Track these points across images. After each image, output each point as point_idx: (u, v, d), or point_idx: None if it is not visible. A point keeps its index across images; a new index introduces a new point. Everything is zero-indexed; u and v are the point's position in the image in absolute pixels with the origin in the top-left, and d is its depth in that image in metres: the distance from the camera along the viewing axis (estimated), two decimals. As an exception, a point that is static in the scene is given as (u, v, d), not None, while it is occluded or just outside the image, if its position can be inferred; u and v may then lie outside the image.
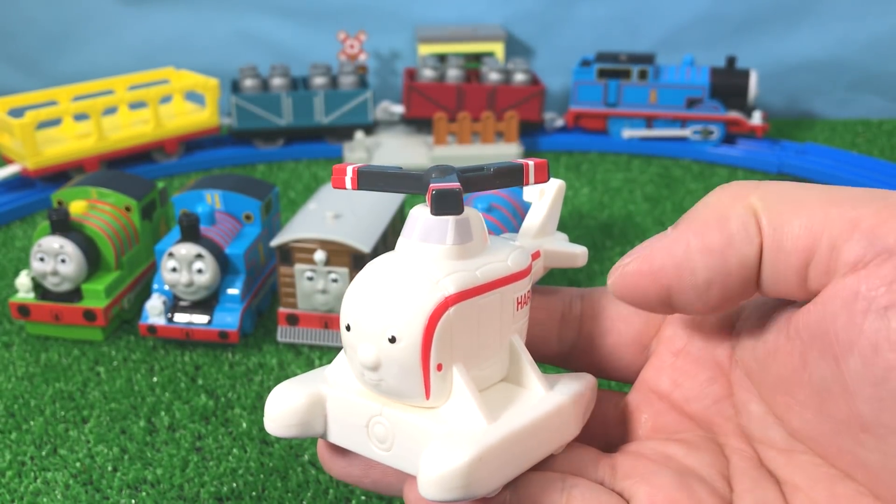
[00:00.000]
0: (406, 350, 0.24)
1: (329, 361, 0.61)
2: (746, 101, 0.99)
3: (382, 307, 0.24)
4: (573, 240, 0.32)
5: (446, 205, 0.23)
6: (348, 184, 0.26)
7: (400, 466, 0.25)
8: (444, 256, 0.25)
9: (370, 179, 0.26)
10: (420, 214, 0.26)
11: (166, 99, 1.02)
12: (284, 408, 0.26)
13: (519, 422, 0.25)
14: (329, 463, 0.28)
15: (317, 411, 0.27)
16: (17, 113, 0.88)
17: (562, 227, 0.33)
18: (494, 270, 0.26)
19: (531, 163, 0.26)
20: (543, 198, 0.31)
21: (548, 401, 0.26)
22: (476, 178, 0.25)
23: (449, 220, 0.25)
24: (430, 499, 0.23)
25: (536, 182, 0.27)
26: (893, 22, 1.12)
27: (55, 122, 0.94)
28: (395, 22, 1.15)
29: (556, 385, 0.27)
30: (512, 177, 0.26)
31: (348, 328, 0.25)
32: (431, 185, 0.24)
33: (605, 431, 0.30)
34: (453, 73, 1.03)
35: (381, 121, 1.07)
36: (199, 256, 0.60)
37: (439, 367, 0.24)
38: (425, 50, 1.09)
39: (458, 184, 0.24)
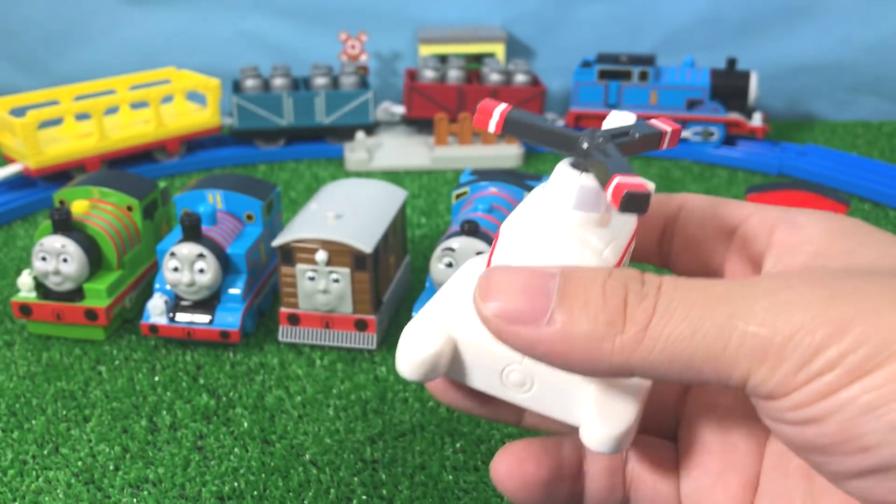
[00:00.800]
0: None
1: (330, 361, 0.61)
2: (747, 102, 0.99)
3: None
4: None
5: (636, 206, 0.22)
6: (492, 127, 0.25)
7: (539, 409, 0.26)
8: (597, 224, 0.25)
9: (518, 128, 0.25)
10: (576, 181, 0.25)
11: (168, 99, 1.02)
12: (421, 353, 0.26)
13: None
14: (445, 393, 0.29)
15: (445, 354, 0.26)
16: (18, 112, 0.88)
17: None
18: (626, 234, 0.26)
19: (669, 129, 0.26)
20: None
21: None
22: (626, 145, 0.25)
23: (602, 193, 0.25)
24: (603, 451, 0.25)
25: (669, 147, 0.27)
26: (893, 24, 1.12)
27: (57, 121, 0.94)
28: (396, 22, 1.15)
29: None
30: (651, 142, 0.26)
31: None
32: (618, 179, 0.22)
33: (661, 419, 0.31)
34: (454, 74, 1.03)
35: (381, 121, 1.07)
36: (200, 256, 0.60)
37: None
38: (426, 50, 1.09)
39: (646, 185, 0.23)
